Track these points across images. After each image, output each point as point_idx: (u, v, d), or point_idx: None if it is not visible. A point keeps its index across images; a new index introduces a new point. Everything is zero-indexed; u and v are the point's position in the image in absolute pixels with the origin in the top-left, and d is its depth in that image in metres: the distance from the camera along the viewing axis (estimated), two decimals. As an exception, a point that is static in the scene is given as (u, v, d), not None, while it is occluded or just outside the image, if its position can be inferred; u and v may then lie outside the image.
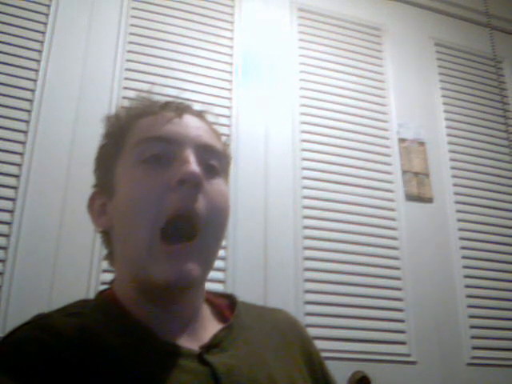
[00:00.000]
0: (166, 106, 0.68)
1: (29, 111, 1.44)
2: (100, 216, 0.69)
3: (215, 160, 0.66)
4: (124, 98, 1.53)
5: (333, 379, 0.75)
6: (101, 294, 0.69)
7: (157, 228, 0.60)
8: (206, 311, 0.69)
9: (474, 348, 1.67)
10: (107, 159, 0.68)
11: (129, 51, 1.61)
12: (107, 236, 0.70)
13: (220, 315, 0.71)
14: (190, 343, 0.62)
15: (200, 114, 0.70)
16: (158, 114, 0.66)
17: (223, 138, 0.72)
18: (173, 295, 0.63)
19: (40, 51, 1.50)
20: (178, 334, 0.63)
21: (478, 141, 1.97)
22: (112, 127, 0.70)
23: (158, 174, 0.61)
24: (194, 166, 0.60)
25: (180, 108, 0.67)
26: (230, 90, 1.69)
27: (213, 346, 0.62)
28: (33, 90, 1.46)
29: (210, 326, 0.67)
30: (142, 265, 0.60)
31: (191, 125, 0.66)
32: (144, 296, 0.63)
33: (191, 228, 0.61)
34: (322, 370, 0.73)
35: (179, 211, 0.60)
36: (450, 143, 1.93)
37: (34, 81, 1.47)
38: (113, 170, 0.66)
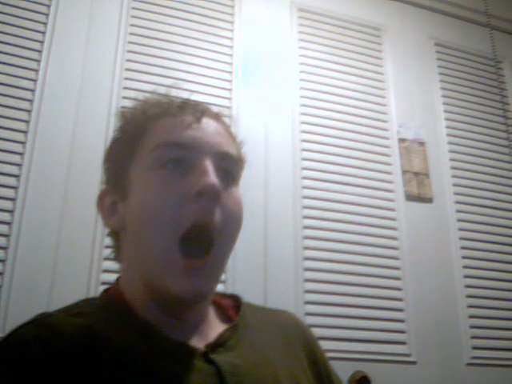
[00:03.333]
0: (184, 107, 0.67)
1: (29, 111, 1.44)
2: (110, 215, 0.68)
3: (232, 167, 0.66)
4: (124, 97, 1.53)
5: (337, 379, 0.75)
6: (106, 292, 0.68)
7: (175, 238, 0.59)
8: (211, 312, 0.69)
9: (474, 348, 1.67)
10: (121, 158, 0.67)
11: (129, 51, 1.61)
12: (116, 235, 0.69)
13: (225, 315, 0.71)
14: (196, 342, 0.62)
15: (217, 116, 0.69)
16: (177, 117, 0.65)
17: (238, 140, 0.72)
18: (184, 306, 0.63)
19: (40, 51, 1.50)
20: (184, 332, 0.63)
21: (478, 141, 1.97)
22: (128, 125, 0.68)
23: (176, 181, 0.61)
24: (213, 177, 0.60)
25: (198, 110, 0.66)
26: (229, 90, 1.69)
27: (218, 345, 0.62)
28: (33, 90, 1.46)
29: (216, 326, 0.67)
30: (159, 276, 0.60)
31: (210, 130, 0.65)
32: (153, 301, 0.63)
33: (208, 240, 0.61)
34: (326, 370, 0.73)
35: (197, 223, 0.60)
36: (450, 143, 1.92)
37: (34, 81, 1.47)
38: (127, 170, 0.65)
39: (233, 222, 0.63)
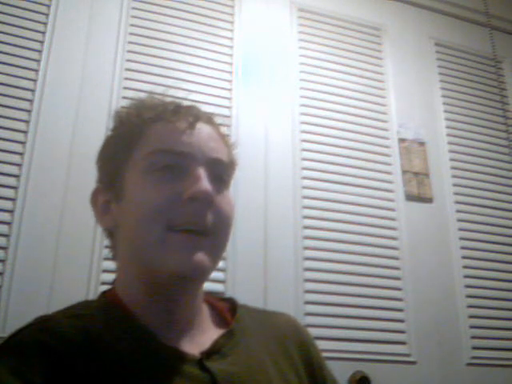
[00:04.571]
0: (178, 111, 0.68)
1: (29, 111, 1.44)
2: (104, 214, 0.69)
3: (224, 173, 0.67)
4: (124, 97, 1.53)
5: (333, 382, 0.74)
6: (103, 295, 0.69)
7: (167, 225, 0.61)
8: (206, 314, 0.70)
9: (474, 348, 1.67)
10: (116, 160, 0.68)
11: (129, 51, 1.61)
12: (111, 234, 0.70)
13: (220, 319, 0.71)
14: (191, 348, 0.62)
15: (210, 120, 0.70)
16: (171, 122, 0.66)
17: (231, 143, 0.73)
18: (178, 289, 0.63)
19: (40, 51, 1.50)
20: (179, 337, 0.63)
21: (478, 141, 1.97)
22: (123, 127, 0.70)
23: (170, 184, 0.63)
24: (206, 184, 0.62)
25: (192, 115, 0.68)
26: (229, 90, 1.69)
27: (213, 352, 0.62)
28: (33, 90, 1.46)
29: (210, 331, 0.67)
30: (154, 256, 0.61)
31: (203, 136, 0.67)
32: (148, 294, 0.64)
33: (202, 232, 0.62)
34: (321, 374, 0.72)
35: (189, 226, 0.61)
36: (450, 143, 1.93)
37: (34, 81, 1.47)
38: (122, 172, 0.67)
39: (224, 222, 0.65)
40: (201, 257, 0.61)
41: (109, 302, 0.66)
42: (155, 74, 1.59)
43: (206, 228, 0.62)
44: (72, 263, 1.34)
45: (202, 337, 0.65)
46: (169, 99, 0.71)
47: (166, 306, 0.64)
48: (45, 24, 1.53)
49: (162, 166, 0.64)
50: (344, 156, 1.75)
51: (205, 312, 0.70)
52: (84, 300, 0.69)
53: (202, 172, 0.63)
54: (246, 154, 1.62)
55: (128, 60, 1.60)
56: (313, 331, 0.80)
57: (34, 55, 1.49)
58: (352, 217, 1.68)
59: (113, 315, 0.63)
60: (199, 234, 0.62)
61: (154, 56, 1.62)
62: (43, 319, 0.60)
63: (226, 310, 0.73)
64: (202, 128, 0.68)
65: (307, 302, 1.53)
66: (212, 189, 0.63)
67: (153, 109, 0.68)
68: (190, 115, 0.68)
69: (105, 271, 1.34)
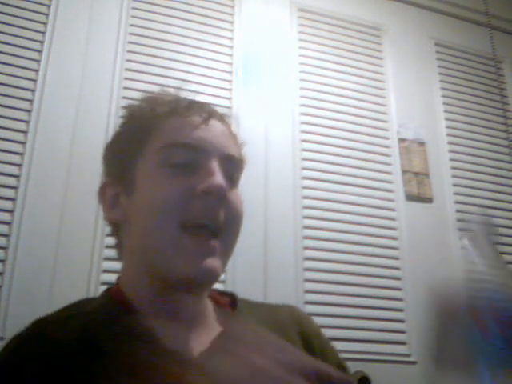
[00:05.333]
0: (191, 107, 0.68)
1: (29, 111, 1.44)
2: (112, 207, 0.68)
3: (235, 170, 0.68)
4: (124, 97, 1.53)
5: (333, 358, 0.73)
6: (107, 292, 0.68)
7: (182, 224, 0.61)
8: (210, 310, 0.70)
9: (474, 348, 1.67)
10: (128, 154, 0.67)
11: (129, 51, 1.61)
12: (116, 227, 0.69)
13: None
14: (193, 345, 0.62)
15: (222, 117, 0.71)
16: (185, 117, 0.66)
17: (240, 142, 0.73)
18: (186, 292, 0.63)
19: (40, 51, 1.50)
20: (181, 334, 0.63)
21: (478, 141, 1.97)
22: (135, 121, 0.69)
23: (183, 178, 0.63)
24: (220, 178, 0.62)
25: (205, 111, 0.68)
26: (229, 90, 1.69)
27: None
28: (33, 90, 1.46)
29: (213, 328, 0.67)
30: (166, 259, 0.61)
31: (216, 132, 0.67)
32: (154, 293, 0.63)
33: (214, 230, 0.63)
34: (320, 351, 0.71)
35: (202, 220, 0.61)
36: (450, 143, 1.93)
37: (34, 81, 1.47)
38: (134, 166, 0.66)
39: (236, 220, 0.65)
40: (212, 263, 0.61)
41: (112, 298, 0.66)
42: (155, 74, 1.59)
43: (218, 224, 0.62)
44: (72, 263, 1.34)
45: (205, 334, 0.65)
46: (181, 95, 0.71)
47: (172, 305, 0.64)
48: (45, 24, 1.53)
49: (175, 159, 0.63)
50: (344, 156, 1.75)
51: (209, 308, 0.70)
52: (85, 298, 0.69)
53: (216, 166, 0.63)
54: (246, 154, 1.61)
55: (128, 60, 1.60)
56: (313, 331, 0.80)
57: (34, 55, 1.49)
58: (352, 217, 1.68)
59: (114, 312, 0.62)
60: (211, 232, 0.61)
61: (154, 56, 1.62)
62: (37, 325, 0.60)
63: (227, 304, 0.73)
64: (216, 125, 0.68)
65: (307, 302, 1.53)
66: (226, 184, 0.63)
67: (166, 104, 0.68)
68: (204, 111, 0.68)
69: (105, 271, 1.34)
